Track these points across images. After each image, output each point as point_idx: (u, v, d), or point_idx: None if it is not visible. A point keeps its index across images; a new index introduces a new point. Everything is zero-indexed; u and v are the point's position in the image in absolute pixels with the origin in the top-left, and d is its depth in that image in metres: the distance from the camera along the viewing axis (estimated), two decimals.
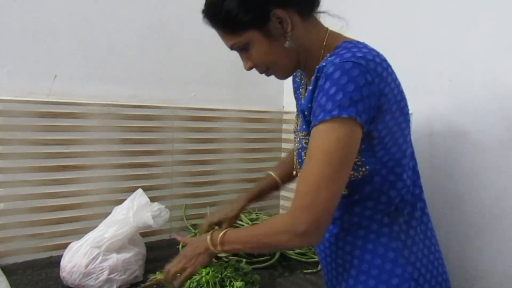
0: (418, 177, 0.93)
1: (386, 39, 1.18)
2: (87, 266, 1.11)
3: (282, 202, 1.90)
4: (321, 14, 0.92)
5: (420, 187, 0.93)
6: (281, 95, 1.89)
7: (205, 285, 1.07)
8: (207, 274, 1.08)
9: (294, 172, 1.02)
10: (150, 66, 1.55)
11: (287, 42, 0.86)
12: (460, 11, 1.16)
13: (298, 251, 1.45)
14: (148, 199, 1.21)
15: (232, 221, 1.19)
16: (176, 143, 1.59)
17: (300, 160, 0.92)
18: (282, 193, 1.90)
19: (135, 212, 1.18)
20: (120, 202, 1.25)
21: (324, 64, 0.81)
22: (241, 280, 1.11)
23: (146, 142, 1.53)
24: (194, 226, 1.57)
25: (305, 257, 1.42)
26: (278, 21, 0.84)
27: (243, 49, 0.89)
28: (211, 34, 0.91)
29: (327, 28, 0.92)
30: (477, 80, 1.12)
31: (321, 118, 0.78)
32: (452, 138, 1.17)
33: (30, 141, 1.32)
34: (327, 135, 0.79)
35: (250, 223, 1.53)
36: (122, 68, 1.49)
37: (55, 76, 1.37)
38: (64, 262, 1.15)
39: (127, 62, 1.50)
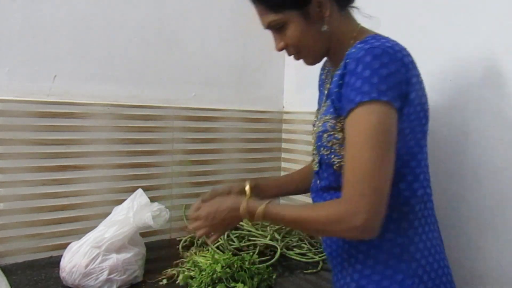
0: (429, 178, 0.93)
1: None
2: (87, 266, 1.11)
3: None
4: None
5: (431, 188, 0.93)
6: (281, 95, 1.88)
7: (217, 281, 1.10)
8: (221, 268, 1.11)
9: (314, 161, 0.99)
10: (150, 66, 1.55)
11: (324, 26, 0.88)
12: (460, 11, 1.16)
13: (298, 251, 1.45)
14: (148, 199, 1.22)
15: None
16: (176, 143, 1.59)
17: (319, 143, 0.91)
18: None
19: (135, 212, 1.18)
20: (120, 202, 1.25)
21: (353, 50, 0.82)
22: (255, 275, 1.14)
23: (146, 142, 1.53)
24: None
25: (305, 257, 1.42)
26: (317, 5, 0.87)
27: (278, 29, 0.91)
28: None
29: (358, 23, 0.94)
30: (477, 80, 1.12)
31: (358, 100, 0.78)
32: (452, 138, 1.17)
33: (30, 141, 1.32)
34: (369, 118, 0.78)
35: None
36: (122, 68, 1.49)
37: (55, 76, 1.37)
38: (64, 262, 1.15)
39: (127, 62, 1.50)
